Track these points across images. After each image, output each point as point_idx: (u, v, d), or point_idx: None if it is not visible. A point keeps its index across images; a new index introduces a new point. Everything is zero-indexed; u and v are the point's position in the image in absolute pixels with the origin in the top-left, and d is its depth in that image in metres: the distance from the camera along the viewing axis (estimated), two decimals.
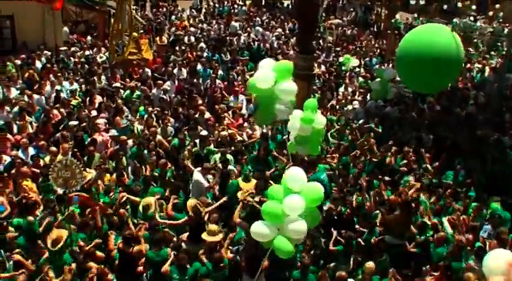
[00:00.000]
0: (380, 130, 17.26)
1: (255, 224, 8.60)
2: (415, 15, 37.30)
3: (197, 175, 13.37)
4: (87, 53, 24.06)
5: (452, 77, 17.79)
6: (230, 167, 13.95)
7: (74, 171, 11.59)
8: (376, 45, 30.95)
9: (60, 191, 12.05)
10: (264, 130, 16.30)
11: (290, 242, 8.42)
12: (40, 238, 11.01)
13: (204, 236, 10.67)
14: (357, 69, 24.73)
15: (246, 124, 17.29)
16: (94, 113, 16.94)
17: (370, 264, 10.63)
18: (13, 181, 13.13)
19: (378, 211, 12.59)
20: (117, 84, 19.71)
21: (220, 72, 21.92)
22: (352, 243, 11.45)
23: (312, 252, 11.43)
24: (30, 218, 11.32)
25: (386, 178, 14.29)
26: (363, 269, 10.66)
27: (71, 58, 22.90)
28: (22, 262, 10.19)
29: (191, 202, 11.66)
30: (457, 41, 16.27)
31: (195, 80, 20.87)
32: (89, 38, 26.90)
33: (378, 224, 12.26)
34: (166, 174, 13.78)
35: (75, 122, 16.09)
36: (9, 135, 15.23)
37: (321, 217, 9.40)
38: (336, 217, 12.33)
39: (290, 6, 38.95)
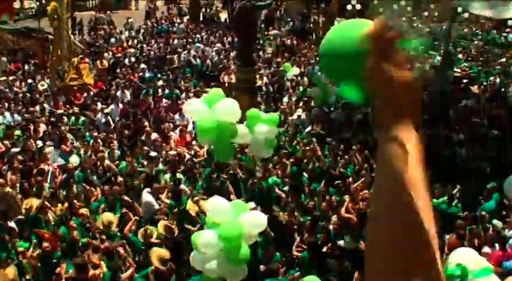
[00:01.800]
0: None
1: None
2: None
3: (147, 196, 13.31)
4: (29, 81, 23.82)
5: None
6: (182, 186, 13.95)
7: (10, 202, 11.38)
8: (316, 53, 31.30)
9: None
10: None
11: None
12: None
13: None
14: (298, 78, 25.02)
15: (194, 142, 17.35)
16: (39, 142, 16.83)
17: None
18: None
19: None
20: (61, 111, 19.55)
21: (166, 91, 21.93)
22: (316, 249, 11.61)
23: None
24: None
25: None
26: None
27: (12, 88, 22.59)
28: None
29: (161, 224, 11.73)
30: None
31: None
32: (26, 67, 26.53)
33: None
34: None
35: (17, 149, 16.00)
36: None
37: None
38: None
39: (227, 20, 39.15)
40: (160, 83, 23.22)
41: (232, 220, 8.26)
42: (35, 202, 12.46)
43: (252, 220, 8.46)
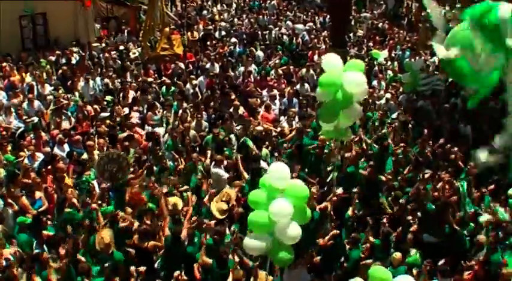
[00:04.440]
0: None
1: (247, 239, 8.51)
2: (447, 7, 36.62)
3: (217, 168, 13.43)
4: (121, 48, 24.19)
5: None
6: (263, 164, 13.74)
7: (120, 164, 11.53)
8: (408, 38, 30.48)
9: (106, 184, 12.03)
10: (298, 125, 16.05)
11: (286, 249, 8.33)
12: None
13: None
14: (389, 63, 24.39)
15: (282, 118, 17.12)
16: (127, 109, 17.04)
17: (397, 255, 10.55)
18: (54, 176, 13.18)
19: None
20: (150, 79, 19.67)
21: (254, 67, 21.74)
22: (389, 239, 11.30)
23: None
24: (68, 210, 11.53)
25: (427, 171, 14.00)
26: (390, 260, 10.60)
27: (104, 54, 22.94)
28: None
29: (231, 191, 11.89)
30: None
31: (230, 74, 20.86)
32: (125, 32, 26.89)
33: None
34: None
35: (106, 114, 16.23)
36: (42, 133, 15.35)
37: (309, 213, 8.95)
38: None
39: (320, 0, 38.55)
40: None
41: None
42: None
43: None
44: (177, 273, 9.97)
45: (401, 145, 14.94)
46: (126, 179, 12.04)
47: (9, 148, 14.61)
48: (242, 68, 21.29)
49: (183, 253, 10.62)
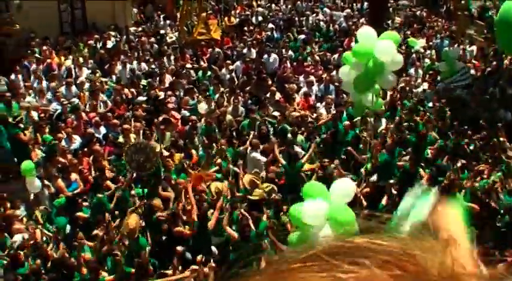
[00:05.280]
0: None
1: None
2: None
3: (254, 153, 13.39)
4: (161, 31, 24.27)
5: None
6: (298, 149, 13.69)
7: (148, 154, 11.50)
8: (446, 26, 30.02)
9: (134, 174, 12.05)
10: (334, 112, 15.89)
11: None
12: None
13: None
14: (427, 52, 24.04)
15: (318, 104, 17.00)
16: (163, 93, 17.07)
17: None
18: (93, 157, 13.27)
19: None
20: (188, 65, 19.65)
21: (290, 52, 21.57)
22: None
23: None
24: (99, 195, 11.52)
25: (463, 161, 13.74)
26: None
27: (141, 38, 23.03)
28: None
29: (247, 177, 11.77)
30: None
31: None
32: (156, 18, 26.96)
33: None
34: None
35: (143, 98, 16.27)
36: (82, 114, 15.48)
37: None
38: None
39: None
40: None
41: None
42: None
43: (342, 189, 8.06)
44: (199, 258, 10.09)
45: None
46: (154, 169, 11.97)
47: (47, 129, 14.78)
48: (273, 55, 21.09)
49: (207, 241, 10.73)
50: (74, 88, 17.17)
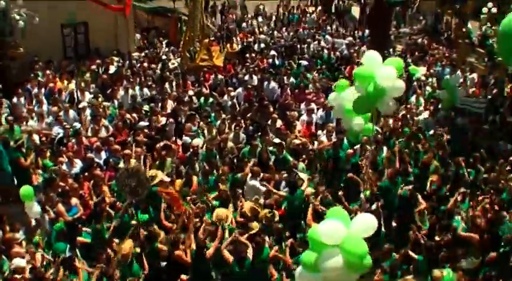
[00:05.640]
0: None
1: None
2: (488, 23, 36.18)
3: (253, 181, 13.40)
4: (163, 57, 24.52)
5: None
6: (302, 175, 13.64)
7: (140, 179, 11.41)
8: (447, 54, 30.17)
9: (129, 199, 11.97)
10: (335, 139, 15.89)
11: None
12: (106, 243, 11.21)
13: None
14: (429, 80, 24.12)
15: (320, 132, 17.03)
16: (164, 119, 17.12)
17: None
18: (93, 182, 13.31)
19: None
20: (191, 93, 19.71)
21: (291, 79, 21.66)
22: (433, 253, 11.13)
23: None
24: (98, 226, 11.53)
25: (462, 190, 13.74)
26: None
27: (144, 63, 23.17)
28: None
29: (247, 204, 11.85)
30: None
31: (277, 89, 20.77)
32: (159, 44, 27.11)
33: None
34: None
35: (145, 123, 16.31)
36: (83, 138, 15.53)
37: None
38: None
39: (358, 15, 38.45)
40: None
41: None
42: (160, 174, 12.60)
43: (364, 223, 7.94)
44: None
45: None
46: (147, 193, 11.90)
47: (48, 153, 14.83)
48: (272, 83, 21.08)
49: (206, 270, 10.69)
50: (72, 113, 17.20)
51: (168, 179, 12.74)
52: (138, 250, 10.82)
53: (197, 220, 11.58)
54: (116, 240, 11.16)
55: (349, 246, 7.40)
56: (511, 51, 14.57)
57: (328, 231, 7.50)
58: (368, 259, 7.58)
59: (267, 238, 11.18)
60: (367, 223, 7.83)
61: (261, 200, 12.71)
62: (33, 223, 12.07)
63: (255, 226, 11.15)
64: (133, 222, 11.59)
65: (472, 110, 18.71)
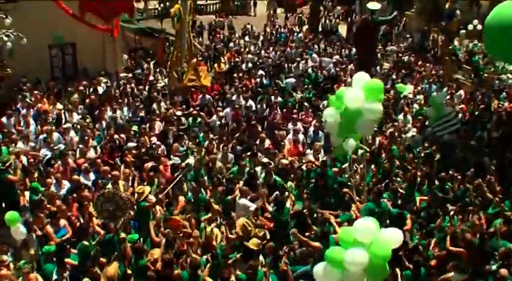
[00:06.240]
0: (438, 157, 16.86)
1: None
2: (475, 40, 36.42)
3: (243, 199, 13.32)
4: (150, 78, 24.57)
5: None
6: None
7: (117, 203, 11.36)
8: (434, 71, 30.33)
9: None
10: (324, 158, 15.93)
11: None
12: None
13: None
14: (417, 97, 24.24)
15: (308, 151, 17.07)
16: (154, 139, 17.08)
17: None
18: (78, 204, 13.30)
19: None
20: (179, 113, 19.74)
21: (279, 98, 21.72)
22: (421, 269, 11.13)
23: None
24: (85, 242, 11.44)
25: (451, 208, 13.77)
26: None
27: (131, 84, 23.21)
28: None
29: (240, 221, 11.67)
30: None
31: (253, 107, 20.80)
32: (146, 65, 27.12)
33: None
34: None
35: (133, 144, 16.31)
36: (70, 160, 15.49)
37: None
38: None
39: (345, 34, 38.66)
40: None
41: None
42: (147, 189, 12.77)
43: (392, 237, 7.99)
44: None
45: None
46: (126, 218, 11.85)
47: (36, 175, 14.79)
48: (250, 102, 21.13)
49: None
50: (55, 135, 17.08)
51: (154, 199, 12.79)
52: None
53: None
54: (103, 259, 11.10)
55: (377, 247, 7.57)
56: (494, 43, 14.84)
57: (362, 228, 7.69)
58: (387, 267, 7.76)
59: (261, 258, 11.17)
60: (396, 235, 7.94)
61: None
62: (20, 243, 11.94)
63: (256, 243, 11.15)
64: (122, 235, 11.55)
65: (446, 131, 18.65)
